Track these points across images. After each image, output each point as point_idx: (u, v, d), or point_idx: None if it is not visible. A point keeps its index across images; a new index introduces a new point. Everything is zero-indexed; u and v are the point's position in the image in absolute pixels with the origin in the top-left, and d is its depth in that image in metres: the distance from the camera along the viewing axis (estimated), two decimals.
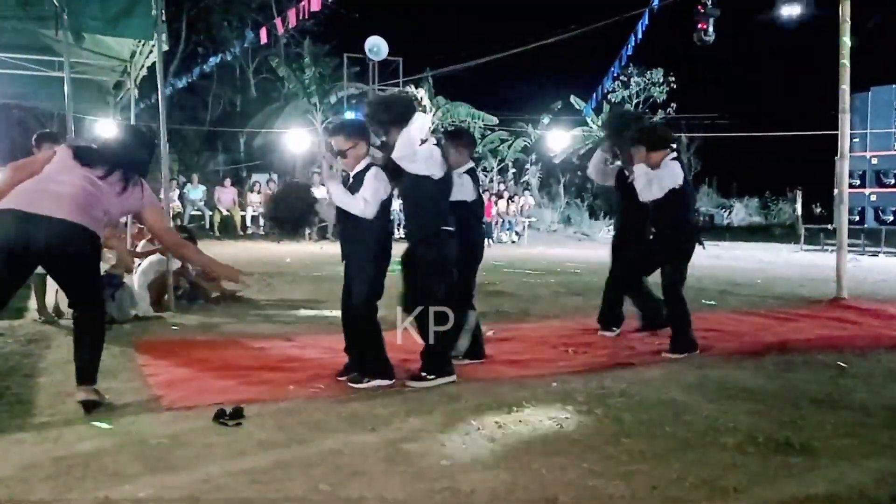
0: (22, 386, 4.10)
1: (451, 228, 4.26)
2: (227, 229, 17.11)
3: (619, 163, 5.74)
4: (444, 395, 4.00)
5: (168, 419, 3.53)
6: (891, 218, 15.72)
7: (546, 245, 18.39)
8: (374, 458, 3.02)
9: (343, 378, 4.26)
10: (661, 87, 26.90)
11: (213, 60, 20.37)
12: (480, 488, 2.72)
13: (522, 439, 3.29)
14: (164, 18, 6.44)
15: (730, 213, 28.45)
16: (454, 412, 3.68)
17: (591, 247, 17.20)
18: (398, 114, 4.14)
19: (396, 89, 4.36)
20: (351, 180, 4.22)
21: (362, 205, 4.05)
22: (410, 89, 4.21)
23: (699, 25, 10.68)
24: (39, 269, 6.16)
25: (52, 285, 6.23)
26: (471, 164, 4.73)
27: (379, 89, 21.85)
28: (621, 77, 25.01)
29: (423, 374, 4.18)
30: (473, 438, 3.28)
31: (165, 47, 6.75)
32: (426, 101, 4.26)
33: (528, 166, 27.40)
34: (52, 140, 6.40)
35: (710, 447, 3.20)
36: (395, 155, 4.08)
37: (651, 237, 5.35)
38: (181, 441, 3.19)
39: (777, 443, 3.24)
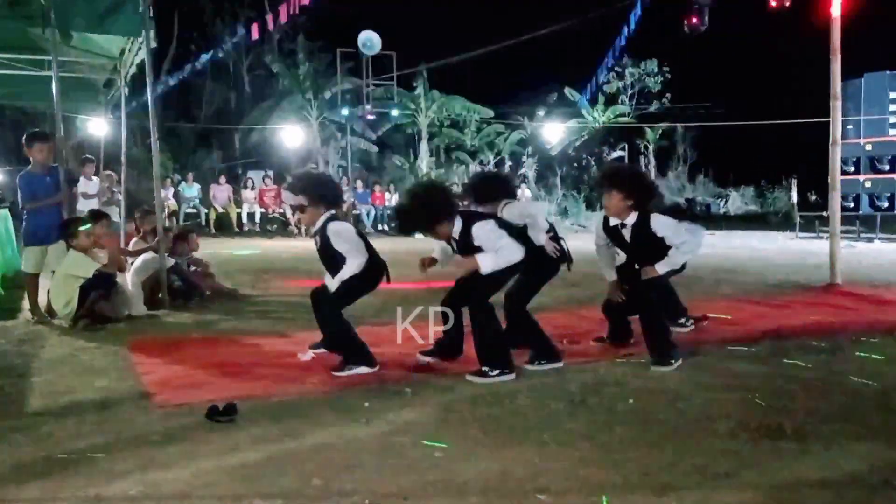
0: (14, 386, 4.09)
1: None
2: (223, 227, 17.09)
3: None
4: (438, 387, 4.00)
5: (160, 417, 3.52)
6: (885, 204, 15.75)
7: None
8: (367, 452, 3.02)
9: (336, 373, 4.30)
10: (656, 78, 26.91)
11: (205, 58, 20.29)
12: (473, 479, 2.72)
13: (515, 430, 3.28)
14: (151, 15, 6.41)
15: (726, 202, 28.46)
16: (448, 404, 3.68)
17: (588, 238, 17.16)
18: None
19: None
20: (319, 240, 4.43)
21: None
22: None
23: (689, 19, 10.61)
24: (32, 270, 6.24)
25: (44, 286, 6.24)
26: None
27: (374, 84, 21.82)
28: (616, 68, 25.03)
29: (485, 369, 4.16)
30: (466, 430, 3.28)
31: (154, 44, 6.70)
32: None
33: (524, 159, 27.38)
34: (42, 139, 6.39)
35: (702, 434, 3.20)
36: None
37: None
38: (173, 438, 3.18)
39: (769, 428, 3.24)
